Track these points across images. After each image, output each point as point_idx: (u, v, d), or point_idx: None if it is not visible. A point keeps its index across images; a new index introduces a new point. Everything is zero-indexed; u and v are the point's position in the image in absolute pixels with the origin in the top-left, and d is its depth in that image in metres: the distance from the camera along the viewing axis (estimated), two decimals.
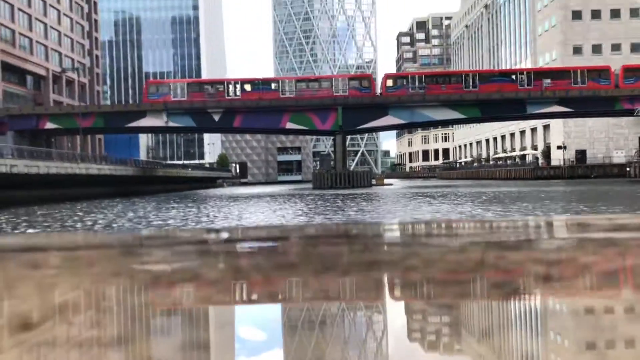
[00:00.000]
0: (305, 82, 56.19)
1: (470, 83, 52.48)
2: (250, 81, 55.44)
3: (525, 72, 54.48)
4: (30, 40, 65.36)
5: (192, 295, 1.22)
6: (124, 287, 1.26)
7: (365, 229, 2.26)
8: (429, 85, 53.15)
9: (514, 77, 53.79)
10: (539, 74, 54.26)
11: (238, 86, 53.39)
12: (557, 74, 53.84)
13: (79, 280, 1.33)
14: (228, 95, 52.94)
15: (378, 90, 55.45)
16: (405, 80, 54.31)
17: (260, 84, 54.37)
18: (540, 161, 74.01)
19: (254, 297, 1.25)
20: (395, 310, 1.16)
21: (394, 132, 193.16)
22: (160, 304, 1.16)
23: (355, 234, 2.01)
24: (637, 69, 53.36)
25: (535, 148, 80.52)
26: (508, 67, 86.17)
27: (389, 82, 54.24)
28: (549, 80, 52.23)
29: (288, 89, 53.56)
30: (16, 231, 14.42)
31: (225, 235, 2.05)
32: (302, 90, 53.48)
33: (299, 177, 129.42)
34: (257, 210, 21.53)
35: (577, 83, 51.52)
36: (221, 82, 55.90)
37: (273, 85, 54.09)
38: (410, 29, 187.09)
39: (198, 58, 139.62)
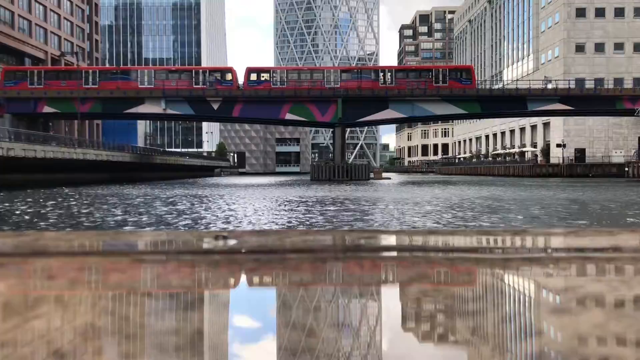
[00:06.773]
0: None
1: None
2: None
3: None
4: (30, 22, 64.73)
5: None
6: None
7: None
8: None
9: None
10: None
11: None
12: None
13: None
14: None
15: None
16: None
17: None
18: (539, 159, 73.81)
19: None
20: None
21: (393, 126, 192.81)
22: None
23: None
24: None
25: (534, 145, 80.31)
26: (511, 63, 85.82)
27: None
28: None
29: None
30: None
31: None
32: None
33: (297, 169, 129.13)
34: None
35: None
36: None
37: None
38: (413, 22, 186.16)
39: (198, 45, 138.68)
